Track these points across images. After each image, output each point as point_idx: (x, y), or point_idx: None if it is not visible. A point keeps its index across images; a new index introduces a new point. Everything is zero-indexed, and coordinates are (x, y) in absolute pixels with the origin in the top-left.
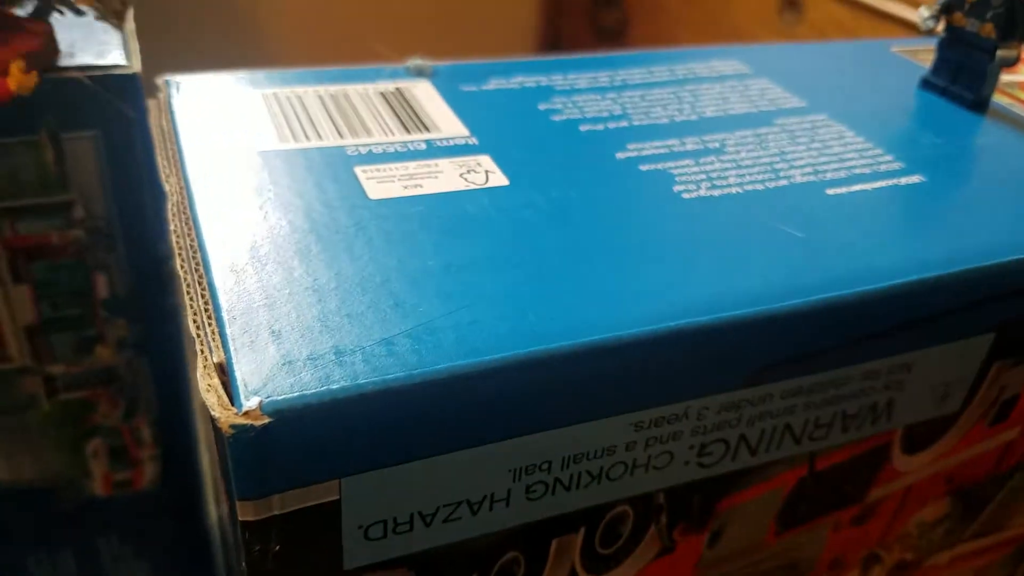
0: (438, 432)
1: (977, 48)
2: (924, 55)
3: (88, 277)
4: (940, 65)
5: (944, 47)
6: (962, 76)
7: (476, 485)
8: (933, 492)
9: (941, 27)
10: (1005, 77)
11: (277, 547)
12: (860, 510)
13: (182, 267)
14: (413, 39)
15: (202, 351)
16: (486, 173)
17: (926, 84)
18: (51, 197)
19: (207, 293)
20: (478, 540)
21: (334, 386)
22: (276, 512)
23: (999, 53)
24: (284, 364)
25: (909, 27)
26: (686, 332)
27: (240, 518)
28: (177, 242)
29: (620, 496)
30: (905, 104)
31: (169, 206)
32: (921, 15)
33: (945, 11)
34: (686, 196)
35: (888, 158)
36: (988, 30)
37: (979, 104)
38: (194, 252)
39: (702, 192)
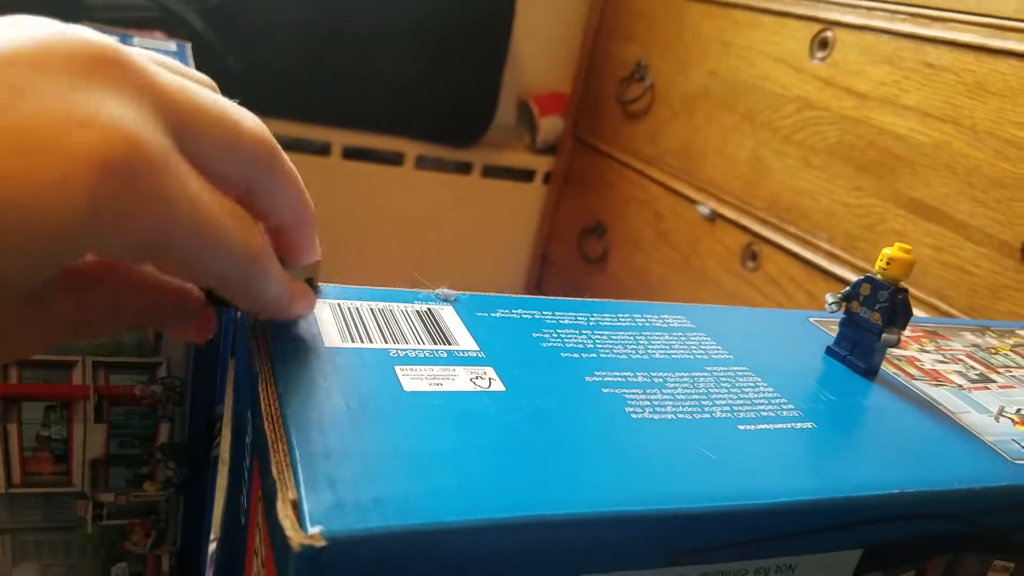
0: (432, 571)
1: (868, 330)
2: (834, 326)
3: (154, 424)
4: (841, 339)
5: (844, 326)
6: (857, 349)
7: None
8: None
9: (842, 310)
10: (896, 352)
11: None
12: None
13: (268, 427)
14: (434, 261)
15: (282, 490)
16: (489, 380)
17: (830, 352)
18: (144, 358)
19: (285, 448)
20: None
21: (371, 525)
22: None
23: (884, 336)
24: (337, 506)
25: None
26: (624, 516)
27: None
28: (265, 410)
29: None
30: (812, 366)
31: (260, 382)
32: (827, 300)
33: (845, 299)
34: (634, 416)
35: (790, 407)
36: (876, 317)
37: (869, 372)
38: (277, 418)
39: (646, 415)
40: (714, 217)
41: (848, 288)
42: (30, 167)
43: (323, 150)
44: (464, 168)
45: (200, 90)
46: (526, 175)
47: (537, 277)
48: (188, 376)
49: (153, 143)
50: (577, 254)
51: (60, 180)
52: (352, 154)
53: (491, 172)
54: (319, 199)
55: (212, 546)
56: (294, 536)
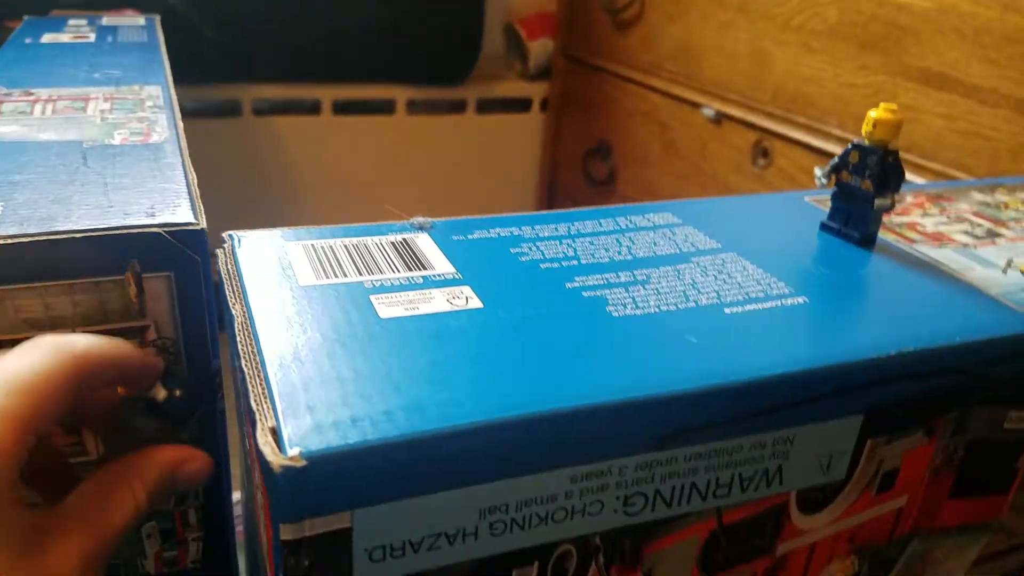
0: (423, 478)
1: (860, 199)
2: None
3: None
4: (834, 212)
5: (836, 198)
6: (851, 220)
7: (451, 521)
8: (837, 550)
9: (833, 182)
10: (895, 218)
11: (307, 562)
12: (772, 562)
13: (245, 365)
14: (440, 205)
15: (260, 419)
16: (466, 298)
17: (824, 227)
18: (131, 322)
19: (263, 381)
20: (454, 567)
21: (350, 441)
22: (307, 534)
23: (876, 202)
24: (315, 428)
25: None
26: (607, 406)
27: (281, 538)
28: (242, 348)
29: (563, 536)
30: (805, 243)
31: (236, 324)
32: (816, 174)
33: (835, 170)
34: (615, 315)
35: (781, 284)
36: (867, 185)
37: (866, 241)
38: (254, 354)
39: (627, 312)
40: (720, 118)
41: (836, 158)
42: None
43: (313, 108)
44: (458, 106)
45: None
46: (522, 104)
47: (546, 207)
48: (179, 334)
49: None
50: (583, 178)
51: None
52: (342, 108)
53: (486, 106)
54: (315, 158)
55: (235, 495)
56: (274, 460)
